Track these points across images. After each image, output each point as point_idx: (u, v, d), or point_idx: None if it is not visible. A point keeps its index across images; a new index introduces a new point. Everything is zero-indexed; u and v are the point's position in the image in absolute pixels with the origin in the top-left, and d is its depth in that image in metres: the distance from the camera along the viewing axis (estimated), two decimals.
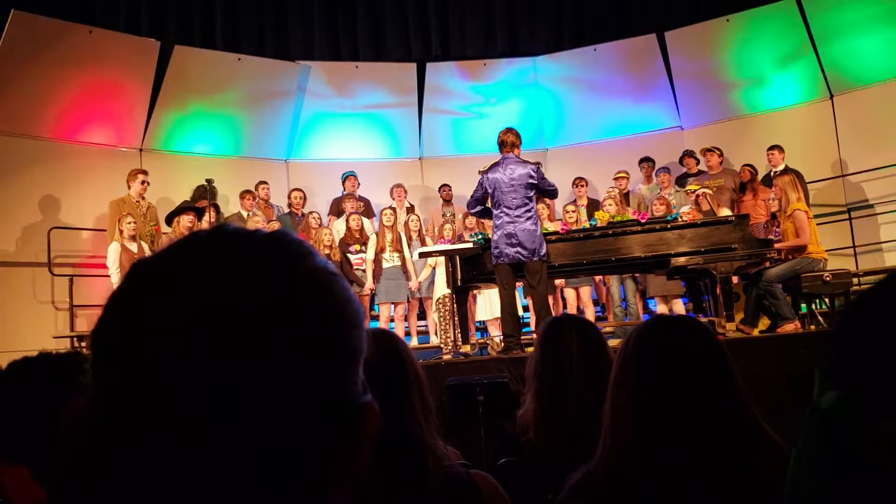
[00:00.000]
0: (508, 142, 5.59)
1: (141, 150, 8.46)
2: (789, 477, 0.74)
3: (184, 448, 0.44)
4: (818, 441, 0.70)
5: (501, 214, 5.45)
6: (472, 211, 5.85)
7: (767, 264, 5.89)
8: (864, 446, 0.66)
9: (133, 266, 0.50)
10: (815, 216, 6.54)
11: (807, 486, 0.71)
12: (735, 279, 6.06)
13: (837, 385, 0.71)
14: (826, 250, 6.12)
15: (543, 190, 5.55)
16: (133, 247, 6.44)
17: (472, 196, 5.72)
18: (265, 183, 8.30)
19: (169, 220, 6.67)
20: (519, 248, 5.38)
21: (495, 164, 5.56)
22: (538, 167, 5.56)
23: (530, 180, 5.44)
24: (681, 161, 8.56)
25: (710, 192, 7.03)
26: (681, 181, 8.27)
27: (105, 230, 7.27)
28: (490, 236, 6.36)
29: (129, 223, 6.50)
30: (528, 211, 5.45)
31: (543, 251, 5.44)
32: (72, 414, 0.48)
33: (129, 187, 7.13)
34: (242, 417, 0.45)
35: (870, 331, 0.70)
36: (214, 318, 0.45)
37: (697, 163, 8.37)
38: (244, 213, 7.73)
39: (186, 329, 0.45)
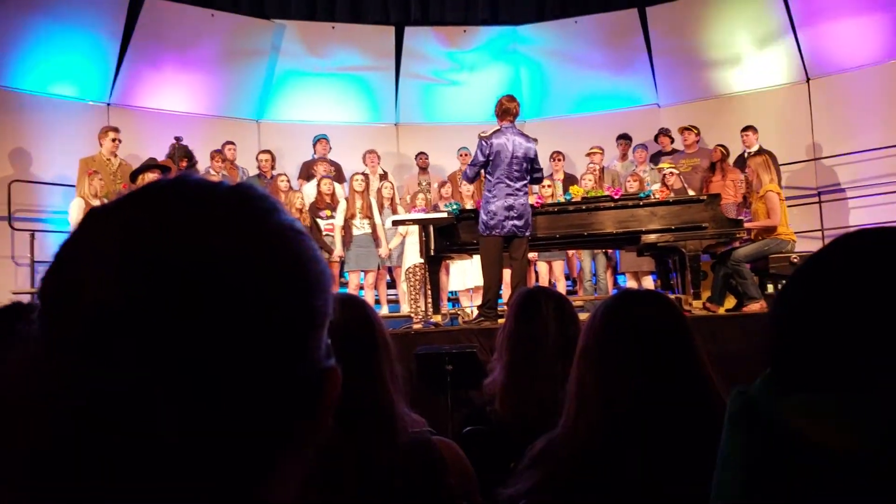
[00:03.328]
0: (514, 110, 5.37)
1: (108, 104, 8.24)
2: (717, 470, 0.70)
3: (134, 410, 0.41)
4: (740, 423, 0.69)
5: (501, 185, 5.26)
6: (471, 178, 5.67)
7: (737, 244, 5.97)
8: (783, 419, 0.64)
9: (88, 214, 0.47)
10: (786, 198, 6.62)
11: (731, 473, 0.68)
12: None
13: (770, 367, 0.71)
14: (795, 232, 6.22)
15: (534, 169, 5.42)
16: (96, 203, 6.31)
17: (472, 164, 5.47)
18: (232, 143, 8.08)
19: (133, 177, 6.54)
20: (515, 221, 5.28)
21: (497, 132, 5.34)
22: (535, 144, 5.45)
23: (530, 155, 5.33)
24: (656, 139, 8.59)
25: (676, 171, 7.07)
26: (655, 159, 8.30)
27: (73, 186, 7.09)
28: (465, 207, 6.33)
29: (99, 180, 6.42)
30: (526, 185, 5.38)
31: (531, 226, 5.43)
32: (11, 368, 0.45)
33: (100, 145, 7.01)
34: (198, 379, 0.42)
35: (794, 309, 0.69)
36: (171, 275, 0.42)
37: (672, 141, 8.41)
38: (212, 173, 7.59)
39: (140, 285, 0.42)
